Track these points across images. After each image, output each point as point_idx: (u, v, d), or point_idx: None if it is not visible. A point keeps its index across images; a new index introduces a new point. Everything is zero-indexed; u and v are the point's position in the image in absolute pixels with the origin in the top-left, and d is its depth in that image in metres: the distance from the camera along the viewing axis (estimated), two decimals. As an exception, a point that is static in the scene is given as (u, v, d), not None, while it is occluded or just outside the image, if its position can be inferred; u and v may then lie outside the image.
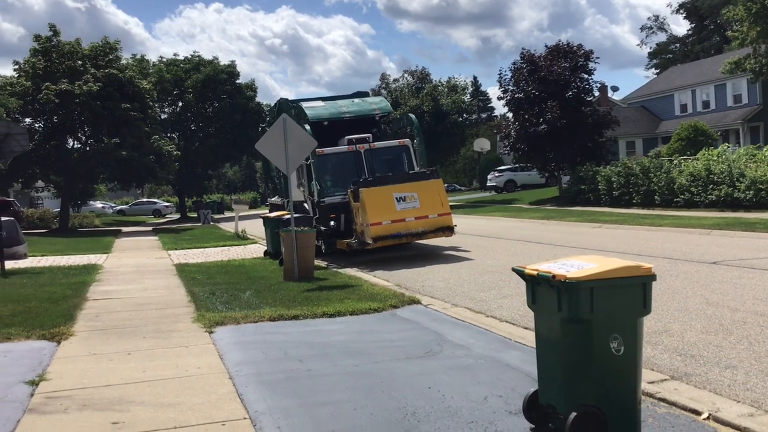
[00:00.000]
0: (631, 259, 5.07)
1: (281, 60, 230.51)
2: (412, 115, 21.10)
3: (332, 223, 17.45)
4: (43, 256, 21.49)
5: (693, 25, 79.94)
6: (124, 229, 42.68)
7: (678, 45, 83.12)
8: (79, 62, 39.08)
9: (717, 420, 5.05)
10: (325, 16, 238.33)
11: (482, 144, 54.78)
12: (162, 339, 8.52)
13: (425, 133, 22.67)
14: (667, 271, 11.85)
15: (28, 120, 38.66)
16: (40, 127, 39.26)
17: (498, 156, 65.89)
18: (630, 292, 4.63)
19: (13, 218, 22.96)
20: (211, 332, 8.81)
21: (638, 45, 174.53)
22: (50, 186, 43.53)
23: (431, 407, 5.57)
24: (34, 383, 6.63)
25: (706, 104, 50.00)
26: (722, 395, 5.68)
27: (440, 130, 47.71)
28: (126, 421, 5.51)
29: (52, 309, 10.61)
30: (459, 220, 18.51)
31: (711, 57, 60.03)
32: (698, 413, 5.19)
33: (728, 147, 32.33)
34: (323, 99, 21.87)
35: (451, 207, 17.59)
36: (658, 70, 77.62)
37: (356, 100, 21.34)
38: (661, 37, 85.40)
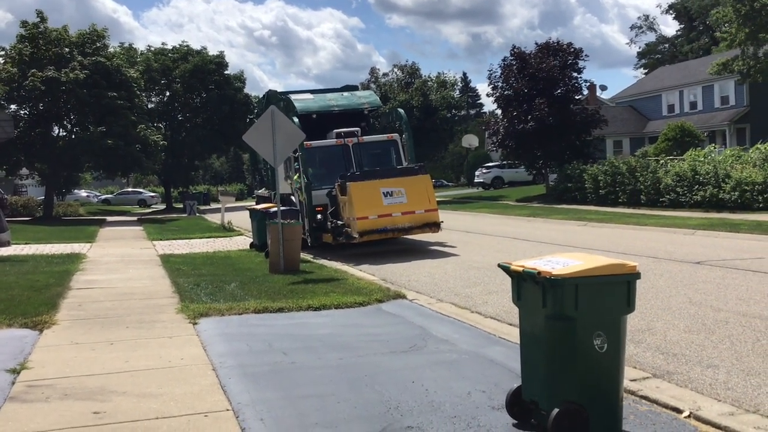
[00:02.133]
0: (616, 257, 5.09)
1: (270, 52, 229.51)
2: (401, 110, 21.08)
3: (319, 216, 17.42)
4: (26, 244, 21.32)
5: (682, 26, 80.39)
6: (109, 218, 42.43)
7: (667, 45, 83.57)
8: (66, 49, 38.73)
9: (698, 418, 5.08)
10: (314, 9, 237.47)
11: (470, 140, 54.88)
12: (145, 329, 8.48)
13: (414, 128, 22.67)
14: (651, 270, 11.92)
15: (13, 107, 38.27)
16: (25, 114, 38.89)
17: (486, 152, 65.98)
18: (614, 290, 4.65)
19: (-4, 205, 22.78)
20: (195, 323, 8.78)
21: (627, 44, 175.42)
22: (35, 174, 43.13)
23: (414, 401, 5.57)
24: (15, 371, 6.59)
25: (693, 105, 50.28)
26: (703, 394, 5.72)
27: (429, 126, 47.77)
28: (107, 411, 5.48)
29: (34, 297, 10.54)
30: (446, 216, 18.54)
31: (699, 58, 60.42)
32: (679, 411, 5.22)
33: (715, 148, 32.56)
34: (312, 92, 21.81)
35: (438, 203, 17.61)
36: (646, 70, 78.01)
37: (345, 94, 21.29)
38: (651, 37, 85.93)
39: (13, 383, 6.25)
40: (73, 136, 39.24)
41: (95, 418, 5.31)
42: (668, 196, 26.72)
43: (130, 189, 76.06)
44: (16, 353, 7.29)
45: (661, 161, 29.49)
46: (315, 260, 15.66)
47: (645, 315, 8.57)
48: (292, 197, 19.00)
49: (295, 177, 17.79)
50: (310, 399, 5.72)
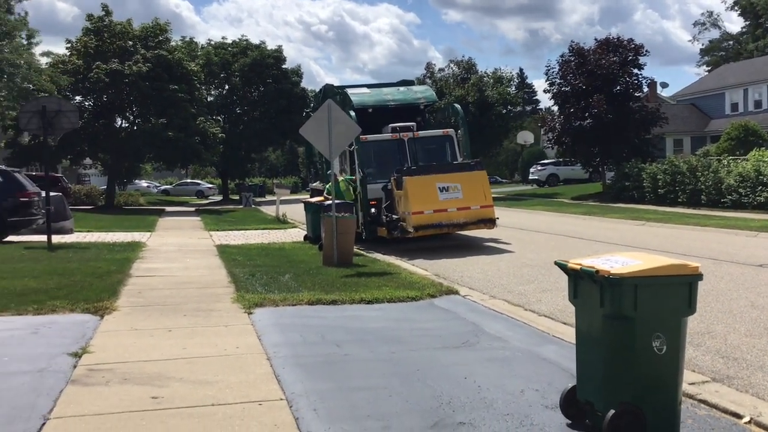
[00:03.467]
0: (675, 258, 4.97)
1: (327, 46, 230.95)
2: (457, 105, 20.98)
3: (373, 210, 17.47)
4: (88, 231, 21.93)
5: (747, 23, 77.91)
6: (168, 208, 43.31)
7: (731, 42, 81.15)
8: (130, 42, 39.71)
9: (759, 424, 4.95)
10: (371, 4, 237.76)
11: (526, 137, 54.31)
12: (202, 317, 8.64)
13: (469, 124, 22.49)
14: (711, 272, 11.63)
15: (78, 98, 39.41)
16: (89, 105, 40.01)
17: (541, 149, 65.20)
18: (675, 291, 4.55)
19: (60, 194, 23.47)
20: (250, 313, 8.90)
21: (690, 41, 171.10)
22: (97, 163, 44.31)
23: (467, 397, 5.55)
24: (77, 355, 6.78)
25: (758, 104, 48.74)
26: (765, 399, 5.58)
27: (484, 122, 47.33)
28: (165, 396, 5.61)
29: (96, 284, 10.83)
30: (500, 213, 18.39)
31: (765, 56, 58.52)
32: (739, 417, 5.09)
33: (780, 148, 31.52)
34: (368, 86, 21.85)
35: (493, 199, 17.48)
36: (709, 68, 75.91)
37: (401, 89, 21.28)
38: (714, 34, 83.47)
39: (75, 366, 6.43)
40: (135, 128, 40.21)
41: (153, 403, 5.44)
42: (730, 197, 26.00)
43: (188, 180, 77.46)
44: (78, 337, 7.50)
45: (724, 161, 28.69)
46: (368, 254, 15.71)
47: (705, 318, 8.37)
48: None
49: (340, 179, 17.45)
50: (362, 391, 5.75)
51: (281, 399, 5.57)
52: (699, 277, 4.62)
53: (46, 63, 37.22)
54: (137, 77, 36.95)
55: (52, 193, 17.74)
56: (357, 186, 17.73)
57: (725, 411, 5.23)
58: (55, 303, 9.12)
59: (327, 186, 16.56)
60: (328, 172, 15.33)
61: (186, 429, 4.91)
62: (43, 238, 16.69)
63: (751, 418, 5.04)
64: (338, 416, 5.17)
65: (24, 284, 10.61)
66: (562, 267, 4.99)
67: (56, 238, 17.37)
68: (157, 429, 4.92)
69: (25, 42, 31.12)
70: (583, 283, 4.79)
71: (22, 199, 17.91)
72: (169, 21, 42.49)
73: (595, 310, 4.64)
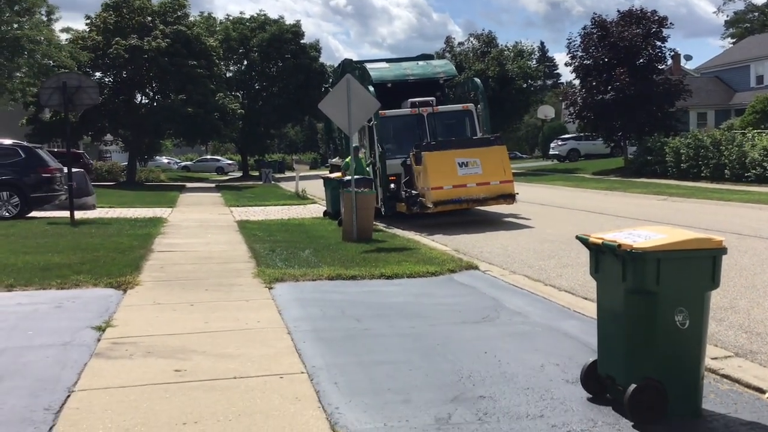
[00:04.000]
0: (698, 233, 4.92)
1: (345, 21, 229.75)
2: (476, 80, 20.82)
3: (392, 185, 17.43)
4: (110, 207, 22.13)
5: (774, -6, 76.36)
6: (188, 184, 43.56)
7: (757, 14, 79.59)
8: (149, 18, 39.73)
9: (782, 400, 4.91)
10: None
11: (546, 111, 53.85)
12: (223, 292, 8.70)
13: (489, 99, 22.31)
14: (735, 246, 11.51)
15: (98, 74, 39.63)
16: (109, 81, 40.21)
17: (562, 124, 64.65)
18: (699, 265, 4.50)
19: (83, 170, 23.68)
20: (270, 288, 8.95)
21: (715, 13, 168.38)
22: (118, 140, 44.63)
23: (487, 372, 5.56)
24: (100, 329, 6.86)
25: (784, 76, 47.93)
26: (789, 375, 5.52)
27: (504, 96, 46.89)
28: (188, 369, 5.66)
29: (118, 259, 10.93)
30: (520, 188, 18.28)
31: (792, 27, 57.40)
32: (762, 391, 5.05)
33: (806, 121, 31.01)
34: (387, 61, 21.73)
35: (513, 175, 17.37)
36: (734, 40, 74.65)
37: (420, 63, 21.12)
38: (739, 5, 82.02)
39: (99, 340, 6.51)
40: (155, 104, 40.39)
41: (176, 376, 5.50)
42: (754, 171, 25.67)
43: (208, 156, 77.84)
44: (102, 311, 7.59)
45: (748, 134, 28.28)
46: (388, 229, 15.71)
47: (728, 293, 8.30)
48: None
49: (361, 155, 17.44)
50: (382, 365, 5.77)
51: (302, 372, 5.61)
52: (723, 251, 4.57)
53: (66, 39, 37.42)
54: (156, 53, 37.03)
55: (74, 169, 17.88)
56: (376, 161, 17.69)
57: (748, 386, 5.19)
58: (79, 278, 9.22)
59: (346, 160, 16.52)
60: (355, 146, 15.31)
61: (208, 401, 4.96)
62: (66, 213, 16.86)
63: (775, 393, 5.00)
64: (359, 389, 5.20)
65: (47, 259, 10.73)
66: (584, 241, 4.95)
67: (79, 214, 17.53)
68: (180, 401, 4.97)
69: (44, 18, 31.25)
70: (605, 258, 4.76)
71: (44, 175, 18.07)
72: (188, -4, 42.36)
73: (617, 285, 4.61)
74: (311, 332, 6.80)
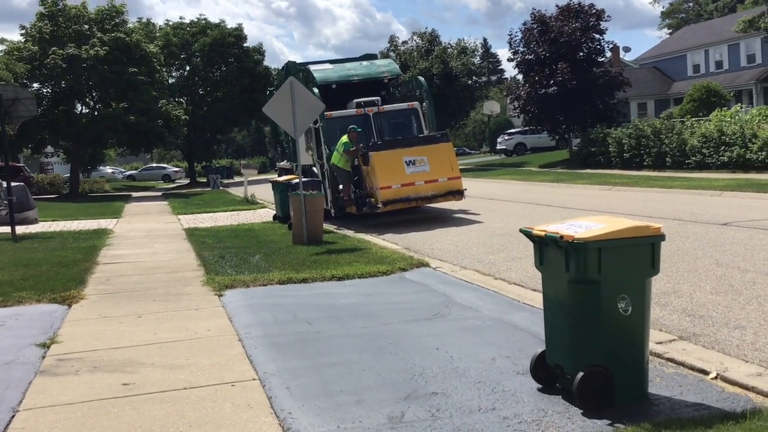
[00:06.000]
0: (641, 220, 5.02)
1: (288, 23, 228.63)
2: (421, 78, 20.90)
3: (341, 186, 17.41)
4: (53, 221, 21.60)
5: (706, -16, 78.58)
6: (134, 194, 42.80)
7: (691, 4, 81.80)
8: (86, 26, 38.92)
9: (725, 380, 5.04)
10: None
11: (492, 107, 54.34)
12: (172, 302, 8.57)
13: (435, 96, 22.46)
14: (677, 232, 11.80)
15: (36, 85, 38.62)
16: (48, 92, 39.23)
17: (508, 119, 65.46)
18: (638, 253, 4.59)
19: (23, 183, 23.04)
20: (220, 295, 8.85)
21: (651, 4, 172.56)
22: (60, 151, 43.60)
23: (439, 368, 5.59)
24: (45, 346, 6.69)
25: (719, 64, 49.33)
26: (731, 355, 5.67)
27: (450, 93, 47.25)
28: (136, 382, 5.56)
29: (62, 273, 10.68)
30: (468, 184, 18.44)
31: (725, 16, 59.11)
32: (706, 373, 5.18)
33: (741, 108, 31.97)
34: (331, 62, 21.67)
35: (461, 170, 17.50)
36: (670, 30, 76.54)
37: (365, 63, 21.13)
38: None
39: (44, 357, 6.35)
40: (96, 113, 39.55)
41: (124, 390, 5.40)
42: (694, 158, 26.35)
43: (154, 164, 76.65)
44: (46, 328, 7.40)
45: (687, 123, 29.04)
46: (338, 231, 15.69)
47: (671, 277, 8.50)
48: (314, 168, 19.00)
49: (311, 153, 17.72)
50: (335, 367, 5.76)
51: (254, 379, 5.56)
52: (661, 237, 4.67)
53: (1, 51, 36.40)
54: (95, 61, 36.26)
55: (13, 183, 17.41)
56: (324, 163, 17.63)
57: (692, 368, 5.31)
58: (21, 294, 8.99)
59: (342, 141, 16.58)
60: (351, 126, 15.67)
61: (158, 413, 4.88)
62: (7, 229, 16.40)
63: (718, 374, 5.13)
64: (311, 393, 5.18)
65: (-12, 277, 10.42)
66: (527, 234, 5.02)
67: (20, 229, 17.08)
68: (129, 415, 4.88)
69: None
70: (549, 249, 4.83)
71: (-18, 190, 17.56)
72: (125, 2, 41.60)
73: (561, 275, 4.68)
74: (263, 338, 6.75)
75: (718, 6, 72.90)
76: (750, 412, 4.39)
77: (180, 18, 57.51)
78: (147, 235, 16.61)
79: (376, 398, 5.00)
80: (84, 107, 41.21)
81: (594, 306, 4.56)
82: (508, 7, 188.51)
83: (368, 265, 10.41)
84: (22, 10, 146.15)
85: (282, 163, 24.54)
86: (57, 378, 5.77)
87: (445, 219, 16.90)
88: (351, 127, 16.45)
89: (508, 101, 46.54)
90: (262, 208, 24.33)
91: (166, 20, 58.16)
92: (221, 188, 41.67)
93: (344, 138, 16.29)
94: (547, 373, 5.02)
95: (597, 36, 36.70)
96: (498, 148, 55.03)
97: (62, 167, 54.19)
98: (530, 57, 37.16)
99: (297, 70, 20.21)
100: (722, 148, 25.13)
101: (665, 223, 12.43)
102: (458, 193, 16.55)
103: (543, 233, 4.80)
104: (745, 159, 23.93)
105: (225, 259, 11.64)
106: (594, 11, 36.69)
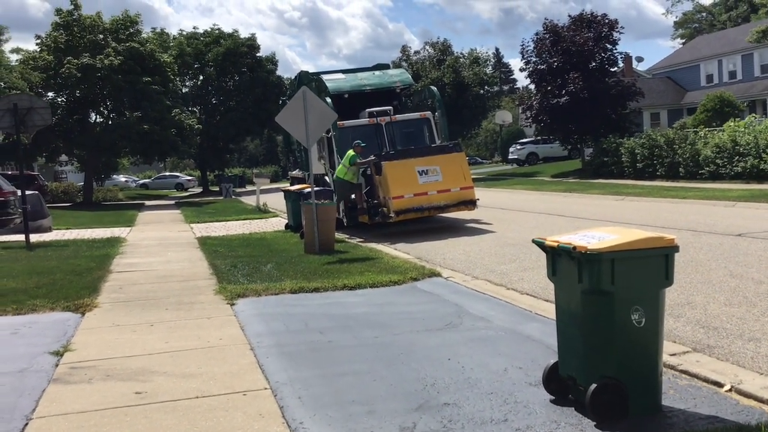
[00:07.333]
0: (654, 231, 5.00)
1: (301, 33, 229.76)
2: (433, 88, 20.94)
3: (353, 196, 17.42)
4: (67, 229, 21.71)
5: (720, -6, 78.34)
6: (147, 202, 42.98)
7: (704, 14, 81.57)
8: (101, 36, 39.22)
9: (739, 392, 5.00)
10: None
11: (504, 116, 54.37)
12: (184, 311, 8.60)
13: (446, 106, 22.48)
14: (690, 243, 11.73)
15: (50, 94, 38.94)
16: (62, 101, 39.53)
17: (520, 128, 65.39)
18: (652, 264, 4.57)
19: (37, 192, 23.23)
20: (232, 304, 8.87)
21: (664, 14, 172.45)
22: (74, 160, 43.88)
23: (451, 378, 5.57)
24: (58, 354, 6.72)
25: (732, 74, 49.11)
26: (745, 367, 5.63)
27: (462, 103, 47.36)
28: (149, 390, 5.58)
29: (76, 281, 10.73)
30: (481, 193, 18.41)
31: (738, 26, 58.88)
32: (720, 385, 5.14)
33: (755, 118, 31.79)
34: (344, 71, 21.74)
35: (473, 180, 17.49)
36: (683, 41, 76.34)
37: (377, 73, 21.18)
38: (687, 6, 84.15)
39: (57, 365, 6.38)
40: (110, 122, 39.82)
41: (137, 398, 5.41)
42: (708, 168, 26.23)
43: (167, 173, 76.98)
44: (60, 336, 7.44)
45: (700, 133, 28.90)
46: (350, 240, 15.69)
47: (684, 289, 8.45)
48: (326, 177, 19.03)
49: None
50: (346, 377, 5.75)
51: (266, 388, 5.56)
52: (675, 249, 4.64)
53: (17, 60, 36.78)
54: (109, 71, 36.53)
55: (28, 192, 17.52)
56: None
57: (706, 380, 5.28)
58: (35, 302, 9.03)
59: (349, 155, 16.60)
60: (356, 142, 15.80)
61: (170, 422, 4.89)
62: (21, 237, 16.52)
63: (732, 386, 5.09)
64: (323, 403, 5.17)
65: (2, 285, 10.49)
66: (540, 245, 5.00)
67: (34, 237, 17.19)
68: (141, 424, 4.89)
69: (-7, 40, 30.66)
70: (561, 260, 4.81)
71: (-3, 199, 17.70)
72: (140, 12, 42.00)
73: (574, 286, 4.66)
74: (274, 347, 6.75)
75: (731, 16, 72.65)
76: (765, 425, 4.35)
77: (194, 28, 58.02)
78: (160, 244, 16.67)
79: (388, 408, 4.99)
80: (98, 116, 41.51)
81: (607, 317, 4.54)
82: (520, 17, 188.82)
83: (380, 274, 10.40)
84: (38, 21, 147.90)
85: (294, 172, 24.58)
86: (70, 386, 5.79)
87: (457, 228, 16.88)
88: (356, 142, 16.43)
89: (520, 111, 46.57)
90: (274, 217, 24.38)
91: (180, 30, 58.55)
92: (234, 197, 41.78)
93: (351, 152, 16.32)
94: (559, 385, 5.00)
95: (609, 46, 36.66)
96: (510, 157, 54.97)
97: (76, 176, 54.52)
98: (542, 67, 37.15)
99: (309, 80, 20.28)
100: (736, 158, 25.00)
101: (679, 233, 12.37)
102: (471, 203, 16.54)
103: (556, 244, 4.79)
104: (759, 170, 23.79)
105: (237, 268, 11.66)
106: (607, 21, 36.68)
